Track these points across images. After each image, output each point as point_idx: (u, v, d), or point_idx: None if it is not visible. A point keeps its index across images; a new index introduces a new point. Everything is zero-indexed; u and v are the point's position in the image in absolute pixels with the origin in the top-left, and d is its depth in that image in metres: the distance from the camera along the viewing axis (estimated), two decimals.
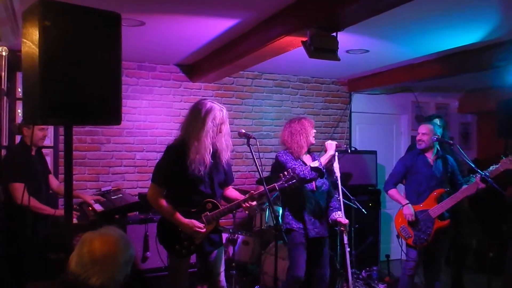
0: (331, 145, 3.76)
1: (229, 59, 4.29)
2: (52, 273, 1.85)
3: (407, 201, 4.09)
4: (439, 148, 4.17)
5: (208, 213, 3.04)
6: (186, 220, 2.98)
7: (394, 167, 4.39)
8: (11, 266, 3.52)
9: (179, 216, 2.99)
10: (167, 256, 3.24)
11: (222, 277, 3.22)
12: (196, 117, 3.03)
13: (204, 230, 2.99)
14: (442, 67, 4.74)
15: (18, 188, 3.51)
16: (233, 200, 3.18)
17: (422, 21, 3.53)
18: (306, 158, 3.77)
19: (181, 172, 2.98)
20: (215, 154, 3.10)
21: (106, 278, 1.61)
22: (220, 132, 3.05)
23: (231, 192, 3.31)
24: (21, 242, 3.45)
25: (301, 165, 3.64)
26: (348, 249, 3.45)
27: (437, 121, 4.54)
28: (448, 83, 6.13)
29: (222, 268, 3.23)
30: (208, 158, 2.99)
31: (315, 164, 3.65)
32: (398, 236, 4.17)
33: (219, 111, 3.05)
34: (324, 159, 3.72)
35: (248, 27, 3.75)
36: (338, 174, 3.62)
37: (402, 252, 4.23)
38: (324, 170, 3.66)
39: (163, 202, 3.01)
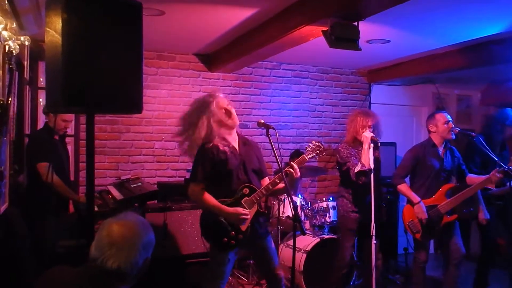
0: (366, 138, 3.71)
1: (248, 49, 4.27)
2: (72, 258, 1.88)
3: (419, 199, 3.93)
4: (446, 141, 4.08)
5: (247, 198, 3.07)
6: (231, 209, 3.01)
7: (403, 159, 4.18)
8: (33, 252, 3.61)
9: (223, 206, 3.02)
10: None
11: (276, 263, 3.23)
12: (197, 110, 3.17)
13: (249, 216, 3.03)
14: (465, 58, 4.64)
15: (45, 166, 3.58)
16: (276, 190, 3.17)
17: (446, 10, 3.46)
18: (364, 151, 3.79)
19: (213, 166, 3.06)
20: (245, 142, 3.20)
21: (122, 261, 1.60)
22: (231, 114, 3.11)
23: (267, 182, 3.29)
24: (44, 226, 3.53)
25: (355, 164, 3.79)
26: (375, 241, 3.42)
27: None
28: (471, 74, 5.99)
29: (276, 257, 3.24)
30: (227, 148, 3.06)
31: (357, 168, 3.71)
32: (405, 231, 4.11)
33: (215, 97, 3.13)
34: (364, 157, 3.69)
35: (267, 16, 3.72)
36: (372, 166, 3.57)
37: (411, 247, 4.18)
38: (369, 168, 3.64)
39: (205, 197, 3.06)
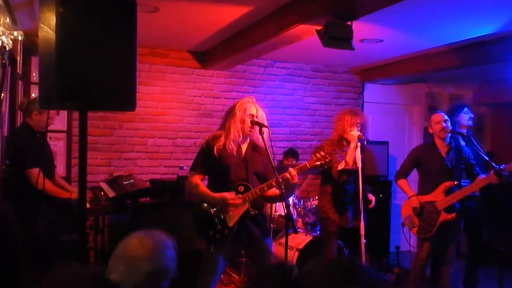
0: (353, 136, 3.71)
1: (242, 47, 4.27)
2: (65, 255, 1.87)
3: (414, 193, 4.06)
4: (451, 140, 4.11)
5: (240, 195, 3.08)
6: (217, 195, 3.04)
7: (405, 158, 4.33)
8: (27, 250, 3.58)
9: (210, 193, 3.07)
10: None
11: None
12: (227, 111, 3.21)
13: (235, 199, 3.03)
14: (458, 58, 4.67)
15: (36, 173, 3.53)
16: (273, 196, 3.18)
17: (438, 10, 3.48)
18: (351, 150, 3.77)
19: (214, 160, 3.09)
20: (255, 148, 3.21)
21: (123, 277, 1.57)
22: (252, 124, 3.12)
23: (272, 191, 3.24)
24: (33, 226, 3.50)
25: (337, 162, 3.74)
26: (365, 241, 3.44)
27: (466, 110, 4.40)
28: (463, 74, 6.03)
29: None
30: (233, 147, 3.08)
31: (341, 166, 3.69)
32: (403, 225, 4.17)
33: (248, 103, 3.14)
34: (349, 156, 3.67)
35: (262, 14, 3.72)
36: (359, 165, 3.57)
37: (408, 243, 4.23)
38: (353, 168, 3.63)
39: (197, 184, 3.13)
